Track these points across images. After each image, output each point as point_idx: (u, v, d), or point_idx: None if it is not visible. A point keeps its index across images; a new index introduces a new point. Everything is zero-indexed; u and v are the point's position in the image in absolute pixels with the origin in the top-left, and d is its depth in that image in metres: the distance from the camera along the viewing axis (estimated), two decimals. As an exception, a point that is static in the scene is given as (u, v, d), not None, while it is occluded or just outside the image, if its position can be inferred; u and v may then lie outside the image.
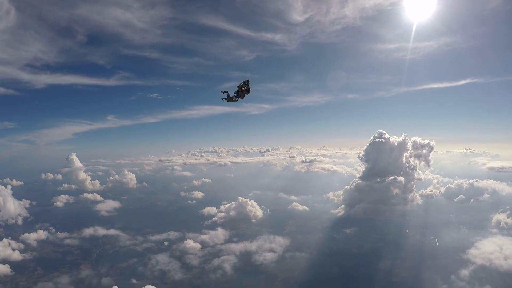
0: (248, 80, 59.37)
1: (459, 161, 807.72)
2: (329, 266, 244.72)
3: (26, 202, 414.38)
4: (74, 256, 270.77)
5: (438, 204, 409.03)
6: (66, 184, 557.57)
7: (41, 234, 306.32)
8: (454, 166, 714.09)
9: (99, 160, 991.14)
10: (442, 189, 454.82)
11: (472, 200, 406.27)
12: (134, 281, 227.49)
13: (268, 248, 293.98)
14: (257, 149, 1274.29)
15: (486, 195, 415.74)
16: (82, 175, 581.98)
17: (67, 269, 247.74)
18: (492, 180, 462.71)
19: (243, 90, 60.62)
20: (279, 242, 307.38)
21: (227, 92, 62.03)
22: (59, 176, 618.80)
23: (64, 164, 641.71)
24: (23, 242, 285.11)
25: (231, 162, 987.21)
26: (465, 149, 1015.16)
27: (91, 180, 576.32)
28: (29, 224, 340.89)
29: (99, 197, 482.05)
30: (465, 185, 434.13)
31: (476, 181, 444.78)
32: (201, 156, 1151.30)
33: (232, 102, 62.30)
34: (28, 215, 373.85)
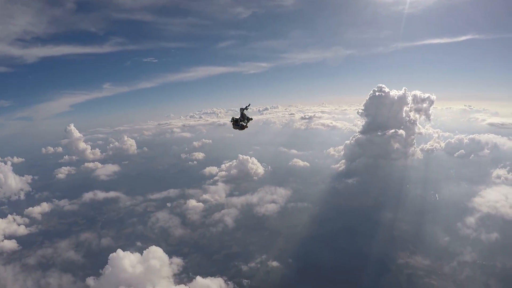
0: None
1: (458, 117, 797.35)
2: (331, 221, 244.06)
3: (28, 178, 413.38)
4: (80, 226, 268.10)
5: (439, 159, 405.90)
6: (66, 156, 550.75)
7: (45, 206, 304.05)
8: (454, 122, 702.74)
9: (97, 129, 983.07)
10: (442, 144, 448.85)
11: (472, 155, 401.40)
12: (137, 243, 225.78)
13: (270, 200, 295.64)
14: (256, 109, 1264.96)
15: (486, 151, 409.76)
16: (82, 145, 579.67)
17: (73, 237, 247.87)
18: (493, 135, 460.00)
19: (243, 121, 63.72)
20: (281, 194, 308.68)
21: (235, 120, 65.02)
22: (60, 149, 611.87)
23: (63, 136, 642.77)
24: (27, 216, 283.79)
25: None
26: (465, 105, 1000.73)
27: (91, 150, 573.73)
28: (33, 199, 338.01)
29: (100, 166, 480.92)
30: (466, 140, 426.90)
31: (477, 135, 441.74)
32: (200, 117, 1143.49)
33: (238, 127, 65.55)
34: (31, 190, 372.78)
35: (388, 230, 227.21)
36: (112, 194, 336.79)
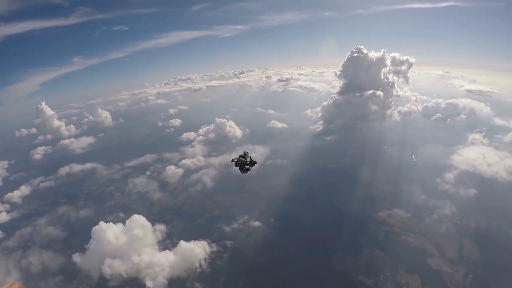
0: (255, 162, 57.62)
1: (436, 82, 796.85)
2: (310, 181, 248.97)
3: (5, 163, 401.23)
4: (61, 205, 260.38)
5: (416, 122, 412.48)
6: (41, 136, 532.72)
7: (24, 190, 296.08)
8: (432, 87, 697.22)
9: (70, 104, 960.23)
10: (420, 107, 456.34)
11: (449, 119, 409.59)
12: (120, 214, 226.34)
13: None
14: (232, 73, 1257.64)
15: (463, 116, 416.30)
16: (56, 122, 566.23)
17: (53, 215, 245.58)
18: (470, 100, 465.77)
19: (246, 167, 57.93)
20: (259, 151, 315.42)
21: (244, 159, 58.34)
22: (33, 130, 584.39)
23: (35, 116, 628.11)
24: (8, 202, 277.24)
25: (206, 86, 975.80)
26: (443, 71, 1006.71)
27: (65, 126, 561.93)
28: (11, 183, 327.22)
29: (75, 141, 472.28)
30: (443, 104, 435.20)
31: (455, 100, 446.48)
32: (175, 84, 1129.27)
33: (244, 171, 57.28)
34: (8, 175, 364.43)
35: (366, 189, 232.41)
36: (88, 165, 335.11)
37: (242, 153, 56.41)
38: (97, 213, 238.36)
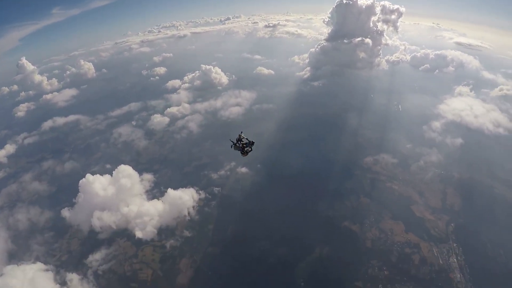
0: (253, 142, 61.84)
1: (426, 34, 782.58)
2: (297, 128, 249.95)
3: None
4: (46, 160, 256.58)
5: (403, 71, 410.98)
6: (23, 92, 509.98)
7: (9, 148, 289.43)
8: (421, 38, 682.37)
9: (51, 58, 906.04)
10: (408, 57, 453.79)
11: (437, 70, 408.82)
12: (107, 165, 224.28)
13: (234, 103, 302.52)
14: (218, 19, 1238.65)
15: (451, 68, 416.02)
16: (37, 77, 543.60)
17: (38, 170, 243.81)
18: (459, 52, 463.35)
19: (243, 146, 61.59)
20: (246, 96, 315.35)
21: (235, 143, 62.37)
22: (15, 87, 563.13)
23: (16, 72, 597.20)
24: None
25: (191, 33, 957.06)
26: (433, 23, 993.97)
27: (48, 81, 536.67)
28: None
29: (58, 95, 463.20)
30: (431, 55, 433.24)
31: (444, 51, 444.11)
32: (159, 32, 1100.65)
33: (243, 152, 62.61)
34: None
35: (353, 137, 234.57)
36: (72, 118, 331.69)
37: (237, 136, 61.21)
38: (83, 165, 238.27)
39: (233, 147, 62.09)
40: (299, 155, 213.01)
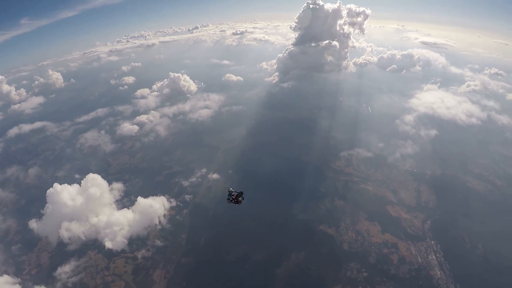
0: (242, 192, 67.81)
1: (391, 35, 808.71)
2: (268, 132, 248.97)
3: None
4: (11, 167, 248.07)
5: (371, 73, 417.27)
6: None
7: None
8: (387, 39, 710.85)
9: (20, 68, 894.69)
10: (375, 59, 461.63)
11: (404, 70, 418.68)
12: (75, 175, 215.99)
13: (203, 106, 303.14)
14: (186, 28, 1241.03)
15: (418, 67, 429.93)
16: (5, 87, 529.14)
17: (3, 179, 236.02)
18: (426, 50, 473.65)
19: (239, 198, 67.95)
20: (214, 99, 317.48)
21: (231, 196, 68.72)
22: None
23: None
24: None
25: (159, 42, 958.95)
26: (398, 25, 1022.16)
27: (16, 91, 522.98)
28: None
29: (25, 103, 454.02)
30: (398, 56, 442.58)
31: (410, 50, 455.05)
32: (127, 42, 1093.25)
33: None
34: None
35: (324, 140, 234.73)
36: (38, 124, 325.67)
37: (227, 192, 67.99)
38: (50, 173, 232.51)
39: (228, 201, 68.19)
40: (271, 159, 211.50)
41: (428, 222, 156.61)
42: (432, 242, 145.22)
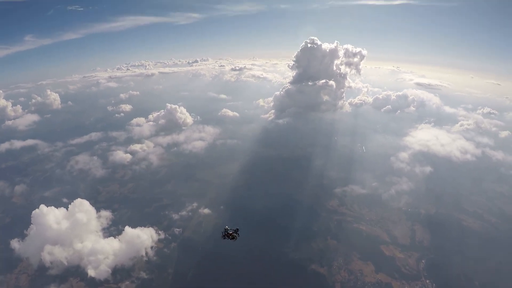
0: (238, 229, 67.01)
1: (387, 77, 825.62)
2: (262, 170, 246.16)
3: None
4: None
5: (366, 113, 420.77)
6: None
7: None
8: (383, 80, 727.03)
9: (19, 84, 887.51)
10: (371, 99, 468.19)
11: (398, 111, 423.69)
12: (63, 199, 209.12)
13: (197, 137, 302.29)
14: (186, 61, 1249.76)
15: (412, 108, 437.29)
16: (2, 102, 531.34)
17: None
18: (420, 90, 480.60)
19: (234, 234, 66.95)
20: (209, 132, 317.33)
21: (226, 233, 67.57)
22: None
23: None
24: None
25: (159, 72, 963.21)
26: (393, 66, 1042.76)
27: (12, 107, 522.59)
28: None
29: (19, 119, 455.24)
30: (393, 97, 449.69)
31: (405, 90, 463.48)
32: (128, 70, 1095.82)
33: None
34: None
35: (318, 179, 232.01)
36: (30, 142, 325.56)
37: (223, 230, 66.23)
38: (38, 194, 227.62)
39: (222, 238, 66.90)
40: (264, 196, 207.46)
41: (423, 261, 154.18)
42: (427, 281, 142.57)
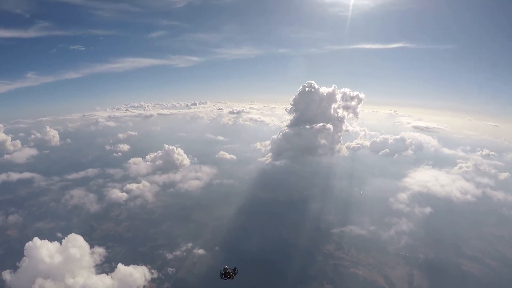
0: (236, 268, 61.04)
1: (384, 121, 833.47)
2: (258, 213, 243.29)
3: None
4: None
5: (364, 157, 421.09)
6: None
7: None
8: (380, 124, 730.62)
9: (19, 120, 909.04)
10: (368, 143, 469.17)
11: (396, 154, 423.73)
12: (58, 233, 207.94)
13: (194, 177, 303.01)
14: (184, 103, 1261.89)
15: (410, 151, 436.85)
16: (2, 136, 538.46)
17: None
18: (418, 133, 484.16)
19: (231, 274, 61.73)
20: (206, 171, 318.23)
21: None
22: None
23: None
24: None
25: (157, 113, 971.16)
26: (390, 110, 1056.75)
27: (11, 141, 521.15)
28: None
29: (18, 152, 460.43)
30: (390, 140, 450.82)
31: (403, 133, 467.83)
32: (127, 110, 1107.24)
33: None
34: None
35: (315, 222, 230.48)
36: (26, 174, 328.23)
37: (222, 270, 59.27)
38: (32, 228, 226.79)
39: (220, 277, 60.04)
40: (260, 238, 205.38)
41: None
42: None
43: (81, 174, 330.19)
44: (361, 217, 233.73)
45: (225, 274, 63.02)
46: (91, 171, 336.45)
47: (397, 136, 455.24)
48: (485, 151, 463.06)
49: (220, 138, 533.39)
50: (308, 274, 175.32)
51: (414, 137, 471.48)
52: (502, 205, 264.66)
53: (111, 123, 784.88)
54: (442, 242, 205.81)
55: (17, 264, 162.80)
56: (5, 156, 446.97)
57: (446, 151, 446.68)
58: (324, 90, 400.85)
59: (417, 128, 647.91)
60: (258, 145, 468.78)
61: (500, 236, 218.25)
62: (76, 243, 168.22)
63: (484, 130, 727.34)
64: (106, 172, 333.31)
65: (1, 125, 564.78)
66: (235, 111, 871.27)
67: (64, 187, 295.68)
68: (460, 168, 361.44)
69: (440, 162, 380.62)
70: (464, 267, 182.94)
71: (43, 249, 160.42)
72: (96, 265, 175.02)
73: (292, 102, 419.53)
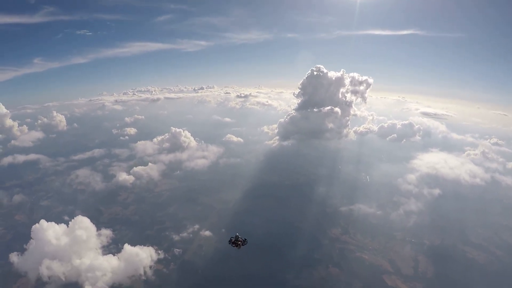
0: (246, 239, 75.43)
1: (393, 106, 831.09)
2: (263, 196, 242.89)
3: None
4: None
5: (371, 142, 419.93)
6: None
7: None
8: (388, 110, 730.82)
9: (26, 105, 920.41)
10: (376, 128, 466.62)
11: (404, 140, 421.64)
12: (64, 217, 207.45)
13: (201, 156, 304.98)
14: (192, 88, 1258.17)
15: (417, 137, 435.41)
16: (9, 122, 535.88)
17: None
18: (426, 119, 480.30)
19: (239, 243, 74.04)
20: (212, 150, 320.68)
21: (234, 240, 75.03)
22: None
23: None
24: None
25: (164, 97, 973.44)
26: (399, 97, 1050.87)
27: (18, 127, 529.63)
28: None
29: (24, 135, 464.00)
30: (398, 125, 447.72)
31: (411, 118, 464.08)
32: (134, 94, 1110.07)
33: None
34: None
35: (320, 206, 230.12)
36: (32, 156, 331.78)
37: (234, 237, 74.48)
38: (40, 212, 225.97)
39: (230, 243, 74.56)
40: (266, 222, 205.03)
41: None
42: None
43: (87, 154, 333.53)
44: (368, 202, 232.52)
45: (234, 242, 72.20)
46: (97, 151, 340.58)
47: (405, 122, 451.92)
48: (494, 139, 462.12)
49: (228, 119, 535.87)
50: (314, 257, 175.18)
51: (422, 122, 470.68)
52: (509, 193, 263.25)
53: (118, 107, 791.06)
54: (448, 229, 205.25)
55: (25, 246, 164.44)
56: (12, 141, 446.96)
57: (454, 136, 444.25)
58: (332, 74, 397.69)
59: (425, 114, 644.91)
60: (265, 128, 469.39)
61: (506, 226, 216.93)
62: (83, 224, 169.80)
63: (493, 118, 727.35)
64: (112, 152, 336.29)
65: (8, 111, 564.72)
66: (242, 95, 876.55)
67: (70, 167, 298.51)
68: (468, 155, 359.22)
69: (448, 147, 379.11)
70: (469, 255, 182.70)
71: (50, 231, 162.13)
72: (103, 247, 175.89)
73: (300, 86, 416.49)
